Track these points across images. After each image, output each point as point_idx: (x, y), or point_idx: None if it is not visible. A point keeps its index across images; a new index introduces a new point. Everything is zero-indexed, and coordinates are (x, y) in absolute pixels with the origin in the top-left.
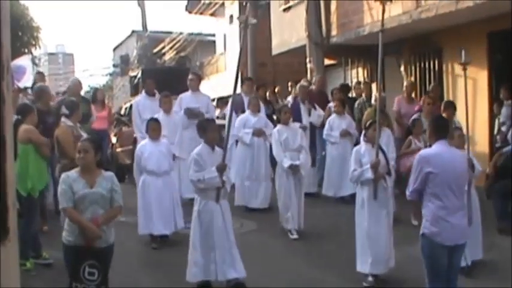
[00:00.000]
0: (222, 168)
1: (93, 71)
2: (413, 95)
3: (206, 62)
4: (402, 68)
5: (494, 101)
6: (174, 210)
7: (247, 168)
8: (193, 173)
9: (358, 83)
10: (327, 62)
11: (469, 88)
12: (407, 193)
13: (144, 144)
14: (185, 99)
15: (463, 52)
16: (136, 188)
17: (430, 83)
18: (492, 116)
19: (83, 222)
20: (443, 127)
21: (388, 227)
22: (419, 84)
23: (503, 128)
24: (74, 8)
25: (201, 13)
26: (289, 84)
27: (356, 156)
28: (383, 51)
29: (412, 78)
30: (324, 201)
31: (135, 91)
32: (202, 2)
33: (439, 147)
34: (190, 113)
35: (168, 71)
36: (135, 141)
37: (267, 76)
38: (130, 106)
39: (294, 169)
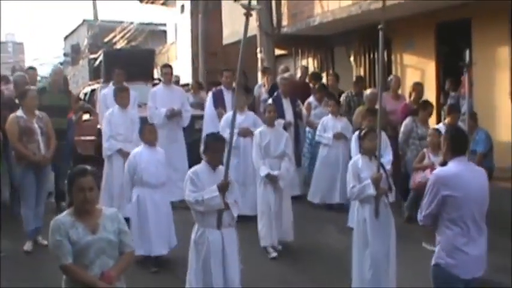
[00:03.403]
0: (223, 187)
1: (43, 60)
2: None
3: (157, 51)
4: (352, 59)
5: (442, 91)
6: (169, 226)
7: (233, 172)
8: (190, 194)
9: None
10: (277, 52)
11: (417, 78)
12: (419, 217)
13: (139, 152)
14: (159, 93)
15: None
16: (126, 202)
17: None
18: (439, 107)
19: (94, 283)
20: (461, 142)
21: (393, 247)
22: (368, 75)
23: None
24: None
25: (152, 2)
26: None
27: (354, 171)
28: (333, 41)
29: (361, 69)
30: (309, 207)
31: (95, 75)
32: None
33: (457, 166)
34: (172, 115)
35: (132, 54)
36: (99, 133)
37: (217, 65)
38: (91, 91)
39: (272, 179)
